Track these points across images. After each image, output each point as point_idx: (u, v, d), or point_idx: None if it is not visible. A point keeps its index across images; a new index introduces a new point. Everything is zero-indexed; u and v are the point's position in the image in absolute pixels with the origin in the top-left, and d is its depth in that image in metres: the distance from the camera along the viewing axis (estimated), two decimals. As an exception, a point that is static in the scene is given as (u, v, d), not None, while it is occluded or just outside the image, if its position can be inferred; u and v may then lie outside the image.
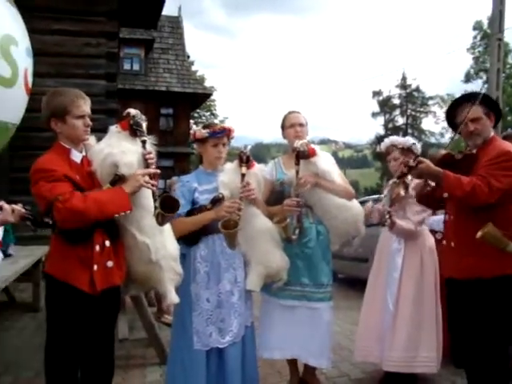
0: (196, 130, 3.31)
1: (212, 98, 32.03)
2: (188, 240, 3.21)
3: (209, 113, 38.96)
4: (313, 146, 3.52)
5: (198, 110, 33.74)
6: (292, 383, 3.83)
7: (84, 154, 2.77)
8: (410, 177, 3.72)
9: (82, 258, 2.59)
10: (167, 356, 4.41)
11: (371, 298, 3.99)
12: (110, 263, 2.67)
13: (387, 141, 4.14)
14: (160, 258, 2.79)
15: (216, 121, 38.16)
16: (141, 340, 4.87)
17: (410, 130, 45.70)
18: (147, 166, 2.72)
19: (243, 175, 3.12)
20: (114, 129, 2.81)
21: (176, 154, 22.90)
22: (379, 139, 45.21)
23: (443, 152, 3.17)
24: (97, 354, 2.79)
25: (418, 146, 4.05)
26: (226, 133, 3.28)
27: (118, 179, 2.66)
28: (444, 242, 3.34)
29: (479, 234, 2.88)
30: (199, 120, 37.35)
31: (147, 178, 2.66)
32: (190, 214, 3.21)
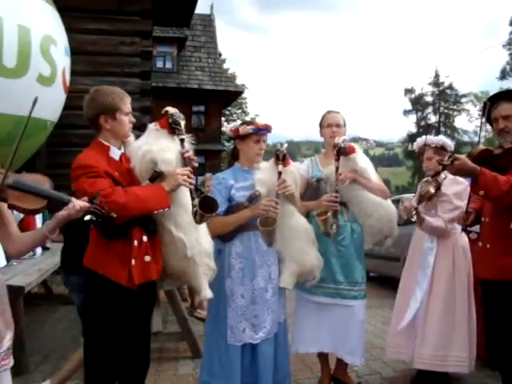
0: (238, 126, 3.36)
1: (243, 95, 32.06)
2: (224, 236, 3.27)
3: (240, 110, 39.05)
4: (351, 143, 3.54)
5: (229, 108, 33.87)
6: (323, 379, 3.86)
7: (123, 151, 2.83)
8: (442, 175, 3.72)
9: (120, 252, 2.65)
10: (200, 350, 4.52)
11: (403, 296, 3.98)
12: (147, 258, 2.72)
13: (419, 140, 4.13)
14: (195, 254, 2.84)
15: (247, 118, 38.27)
16: (174, 334, 4.95)
17: (442, 128, 45.03)
18: (185, 164, 2.77)
19: (280, 173, 3.16)
20: (152, 127, 2.86)
21: (207, 152, 23.04)
22: (411, 137, 44.73)
23: (481, 148, 3.11)
24: (133, 346, 2.84)
25: (452, 145, 4.01)
26: (268, 130, 3.33)
27: (157, 176, 2.71)
28: (480, 243, 3.32)
29: None
30: (230, 118, 37.50)
31: (186, 177, 2.71)
32: (226, 211, 3.27)
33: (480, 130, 3.37)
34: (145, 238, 2.74)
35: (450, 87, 46.44)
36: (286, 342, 3.45)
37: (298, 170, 3.42)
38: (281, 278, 3.28)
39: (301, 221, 3.33)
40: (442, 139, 4.01)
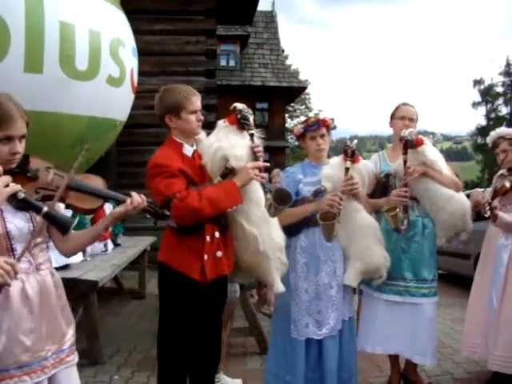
0: (295, 127, 3.42)
1: (306, 91, 31.86)
2: (290, 231, 3.26)
3: (303, 106, 38.82)
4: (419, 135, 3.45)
5: (292, 104, 33.76)
6: (393, 379, 3.79)
7: (195, 148, 2.88)
8: (521, 168, 3.56)
9: (193, 248, 2.71)
10: (267, 345, 4.54)
11: (477, 294, 3.85)
12: (219, 253, 2.78)
13: (493, 133, 3.96)
14: (267, 248, 2.86)
15: (311, 114, 38.04)
16: (241, 329, 4.99)
17: (514, 120, 43.12)
18: (256, 158, 2.80)
19: (347, 169, 3.13)
20: (221, 123, 2.90)
21: (271, 148, 23.07)
22: (480, 130, 43.10)
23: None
24: (205, 340, 2.90)
25: None
26: (321, 124, 3.28)
27: (229, 172, 2.75)
28: None
29: None
30: (294, 114, 37.40)
31: (257, 171, 2.74)
32: (292, 205, 3.27)
33: None
34: (217, 234, 2.79)
35: (523, 77, 44.37)
36: (351, 339, 3.41)
37: (366, 168, 3.37)
38: (345, 276, 3.25)
39: (367, 218, 3.29)
40: None
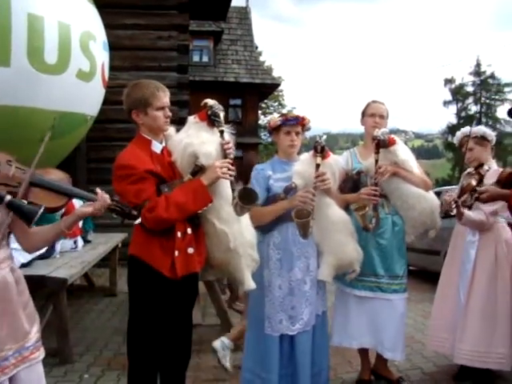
0: (271, 119, 3.39)
1: (280, 88, 31.91)
2: (263, 227, 3.27)
3: (277, 103, 38.87)
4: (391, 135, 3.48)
5: (266, 101, 33.77)
6: (363, 374, 3.83)
7: (164, 144, 2.85)
8: (486, 167, 3.61)
9: (164, 244, 2.68)
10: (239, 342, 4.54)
11: (444, 290, 3.92)
12: (190, 250, 2.75)
13: (459, 133, 4.06)
14: (238, 246, 2.85)
15: (284, 111, 38.09)
16: (213, 326, 4.97)
17: (483, 119, 43.86)
18: (225, 155, 2.77)
19: (318, 165, 3.13)
20: (192, 119, 2.87)
21: (245, 145, 23.06)
22: (451, 129, 43.79)
23: (507, 172, 3.19)
24: (175, 337, 2.88)
25: (492, 134, 3.92)
26: (300, 121, 3.29)
27: (199, 170, 2.72)
28: None
29: None
30: (267, 110, 37.42)
31: (225, 169, 2.70)
32: (265, 202, 3.27)
33: None
34: (189, 230, 2.77)
35: (492, 76, 45.09)
36: (324, 334, 3.42)
37: (336, 163, 3.38)
38: (319, 271, 3.26)
39: (339, 213, 3.30)
40: (481, 129, 3.93)
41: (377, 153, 3.40)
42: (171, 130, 2.90)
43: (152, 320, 2.75)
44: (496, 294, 3.63)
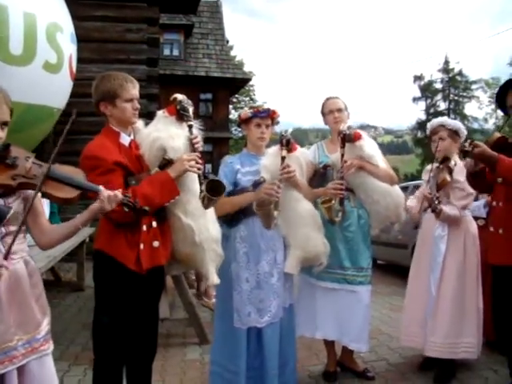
0: (242, 111, 3.41)
1: (251, 82, 31.91)
2: (229, 221, 3.29)
3: (248, 98, 38.88)
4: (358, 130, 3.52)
5: (236, 95, 33.76)
6: (329, 366, 3.87)
7: (132, 137, 2.83)
8: (453, 161, 3.69)
9: (129, 237, 2.66)
10: (206, 336, 4.55)
11: (415, 285, 3.97)
12: (156, 243, 2.73)
13: (435, 121, 4.05)
14: (203, 240, 2.85)
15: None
16: (181, 320, 4.97)
17: (452, 116, 44.48)
18: (194, 150, 2.78)
19: (283, 158, 3.15)
20: (161, 114, 2.87)
21: (215, 139, 23.04)
22: (420, 125, 44.41)
23: (497, 135, 3.13)
24: (141, 330, 2.87)
25: (465, 132, 3.96)
26: (270, 114, 3.31)
27: (167, 163, 2.72)
28: (491, 228, 3.30)
29: None
30: (238, 105, 37.39)
31: (193, 163, 2.70)
32: (231, 195, 3.28)
33: (506, 121, 3.37)
34: (154, 224, 2.75)
35: (460, 74, 45.79)
36: (290, 326, 3.45)
37: (303, 156, 3.41)
38: (285, 264, 3.28)
39: (306, 207, 3.32)
40: (458, 124, 3.96)
41: (342, 147, 3.44)
42: (140, 123, 2.89)
43: (118, 314, 2.73)
44: (465, 286, 3.72)
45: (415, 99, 46.27)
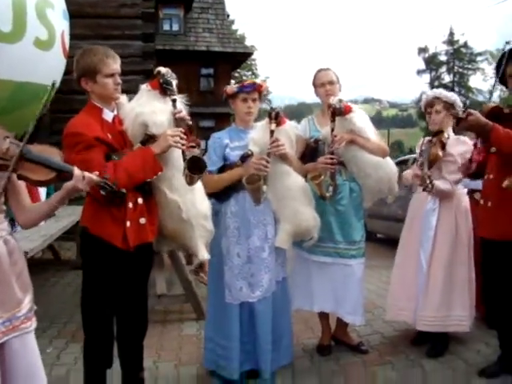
0: (227, 86, 3.35)
1: (253, 57, 31.66)
2: (219, 196, 3.28)
3: (250, 72, 38.62)
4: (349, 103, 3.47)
5: (238, 70, 33.48)
6: (323, 339, 3.89)
7: (115, 113, 2.79)
8: (446, 135, 3.64)
9: (115, 215, 2.65)
10: (203, 311, 4.57)
11: (403, 257, 3.96)
12: (142, 220, 2.72)
13: (431, 93, 3.98)
14: (191, 216, 2.84)
15: (257, 80, 37.80)
16: (178, 296, 4.99)
17: (456, 88, 44.18)
18: (178, 125, 2.73)
19: (272, 132, 3.12)
20: (144, 87, 2.82)
21: (217, 115, 22.88)
22: (424, 97, 44.03)
23: (492, 105, 3.11)
24: (131, 307, 2.88)
25: (461, 104, 3.88)
26: (256, 88, 3.27)
27: (149, 138, 2.69)
28: (481, 201, 3.28)
29: (505, 182, 2.84)
30: (240, 80, 37.11)
31: (177, 138, 2.66)
32: (220, 170, 3.27)
33: (493, 87, 3.32)
34: (140, 200, 2.73)
35: (465, 45, 45.34)
36: (284, 300, 3.46)
37: (293, 130, 3.37)
38: (276, 238, 3.28)
39: (296, 180, 3.30)
40: (454, 95, 3.89)
41: (333, 121, 3.39)
42: (123, 98, 2.83)
43: (106, 291, 2.74)
44: (456, 260, 3.70)
45: (419, 72, 45.89)
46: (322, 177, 3.36)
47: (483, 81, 47.24)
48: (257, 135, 3.21)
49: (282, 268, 3.45)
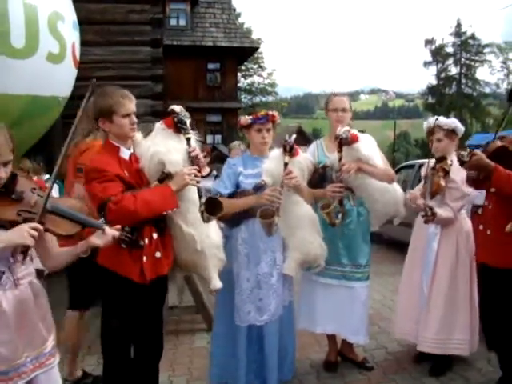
0: (241, 117, 3.45)
1: (259, 50, 31.48)
2: (231, 222, 3.38)
3: (256, 65, 38.43)
4: (354, 131, 3.53)
5: (245, 63, 33.38)
6: (330, 356, 4.01)
7: (132, 150, 2.89)
8: (449, 161, 3.66)
9: (132, 251, 2.73)
10: (213, 321, 4.67)
11: (408, 282, 4.04)
12: (158, 254, 2.83)
13: (431, 120, 3.99)
14: (205, 247, 2.95)
15: (264, 74, 37.72)
16: (189, 307, 5.10)
17: (463, 80, 43.92)
18: (192, 162, 2.84)
19: (286, 164, 3.21)
20: (159, 126, 2.92)
21: (224, 109, 22.93)
22: (431, 90, 43.83)
23: (498, 144, 3.17)
24: (148, 335, 3.01)
25: (462, 129, 3.92)
26: (269, 118, 3.36)
27: (166, 177, 2.80)
28: (481, 226, 3.36)
29: (508, 227, 2.92)
30: (247, 73, 37.04)
31: (193, 176, 2.78)
32: (231, 196, 3.36)
33: (502, 121, 3.37)
34: (155, 236, 2.84)
35: (473, 37, 44.87)
36: (290, 322, 3.61)
37: (305, 161, 3.47)
38: (284, 265, 3.38)
39: (306, 210, 3.40)
40: (454, 122, 3.91)
41: (340, 151, 3.47)
42: (138, 135, 2.94)
43: (124, 322, 2.86)
44: (457, 284, 3.77)
45: (426, 63, 45.52)
46: (332, 206, 3.45)
47: (490, 73, 46.93)
48: (270, 166, 3.30)
49: (289, 292, 3.57)
